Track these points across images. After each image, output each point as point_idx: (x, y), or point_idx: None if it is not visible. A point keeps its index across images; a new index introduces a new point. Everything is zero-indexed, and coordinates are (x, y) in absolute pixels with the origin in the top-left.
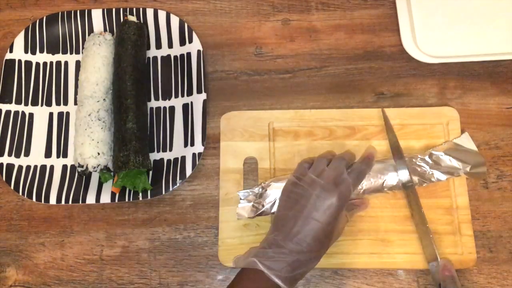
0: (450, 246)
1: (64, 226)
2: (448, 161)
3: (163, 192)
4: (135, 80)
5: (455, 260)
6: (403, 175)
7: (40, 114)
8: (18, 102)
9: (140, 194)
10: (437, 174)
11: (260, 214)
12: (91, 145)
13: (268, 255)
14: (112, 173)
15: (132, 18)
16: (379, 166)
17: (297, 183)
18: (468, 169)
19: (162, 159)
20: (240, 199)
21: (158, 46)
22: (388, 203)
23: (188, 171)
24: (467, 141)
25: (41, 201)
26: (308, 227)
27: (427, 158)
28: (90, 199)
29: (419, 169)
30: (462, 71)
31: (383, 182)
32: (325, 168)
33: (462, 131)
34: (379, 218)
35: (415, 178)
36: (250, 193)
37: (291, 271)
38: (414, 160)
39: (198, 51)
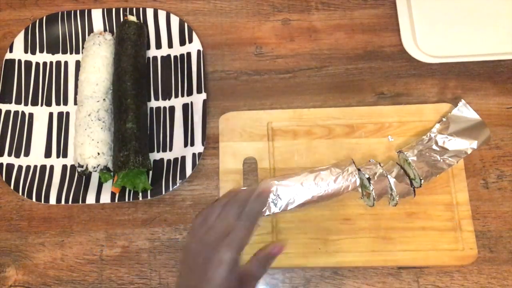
0: (451, 242)
1: (64, 226)
2: (455, 142)
3: (163, 192)
4: (135, 80)
5: (457, 256)
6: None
7: (40, 114)
8: (18, 102)
9: (140, 194)
10: (448, 160)
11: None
12: (91, 145)
13: None
14: (112, 173)
15: (132, 18)
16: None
17: (188, 247)
18: (475, 145)
19: (162, 159)
20: None
21: (158, 46)
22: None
23: (188, 171)
24: (465, 109)
25: (41, 201)
26: None
27: (434, 146)
28: (90, 199)
29: (430, 160)
30: (462, 71)
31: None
32: (214, 223)
33: (458, 100)
34: (380, 216)
35: (430, 170)
36: None
37: None
38: (423, 152)
39: (198, 51)
